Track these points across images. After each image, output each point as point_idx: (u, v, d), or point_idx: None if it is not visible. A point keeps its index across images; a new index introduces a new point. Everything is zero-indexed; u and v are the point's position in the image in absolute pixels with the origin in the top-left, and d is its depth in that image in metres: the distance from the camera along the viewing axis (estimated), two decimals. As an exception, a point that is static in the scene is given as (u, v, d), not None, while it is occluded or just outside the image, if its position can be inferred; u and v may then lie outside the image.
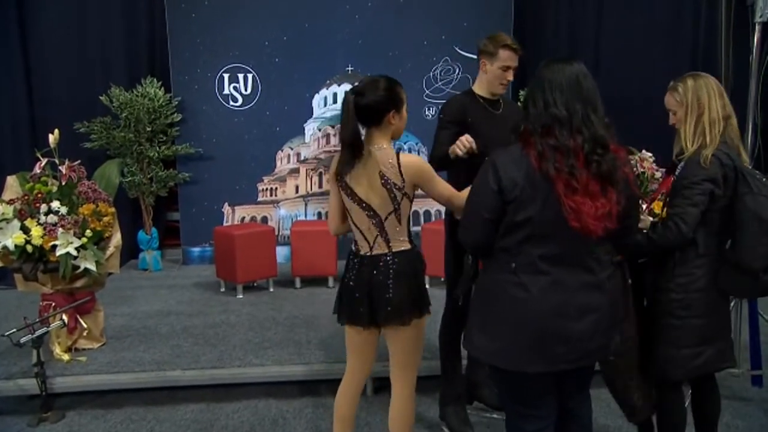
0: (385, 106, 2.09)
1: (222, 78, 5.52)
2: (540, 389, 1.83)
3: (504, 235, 1.75)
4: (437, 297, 4.36)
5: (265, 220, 5.70)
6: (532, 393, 1.84)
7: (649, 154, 3.43)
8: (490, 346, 1.79)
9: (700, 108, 2.14)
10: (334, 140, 5.70)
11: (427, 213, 5.76)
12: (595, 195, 1.65)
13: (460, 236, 1.88)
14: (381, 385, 3.27)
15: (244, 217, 5.68)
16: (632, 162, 3.41)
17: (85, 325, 3.35)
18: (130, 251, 5.56)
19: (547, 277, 1.71)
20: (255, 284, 4.71)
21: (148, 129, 5.32)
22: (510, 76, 2.67)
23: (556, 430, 1.92)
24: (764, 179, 2.12)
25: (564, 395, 1.91)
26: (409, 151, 5.73)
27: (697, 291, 2.13)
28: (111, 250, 3.34)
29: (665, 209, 2.18)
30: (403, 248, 2.16)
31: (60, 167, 3.25)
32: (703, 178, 2.06)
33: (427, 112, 5.70)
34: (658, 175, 3.42)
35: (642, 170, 3.39)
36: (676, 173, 2.21)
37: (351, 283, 2.19)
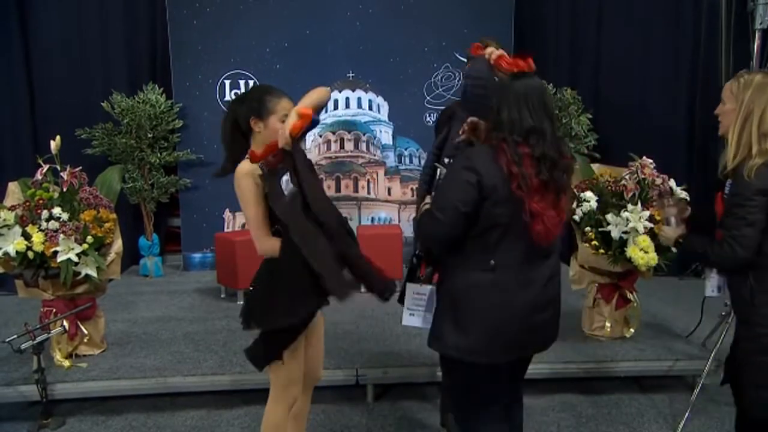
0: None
1: (223, 84, 5.54)
2: (500, 380, 1.97)
3: (481, 234, 1.81)
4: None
5: (265, 226, 5.69)
6: (493, 385, 1.97)
7: (650, 161, 3.45)
8: (464, 342, 1.85)
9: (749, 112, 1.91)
10: (335, 146, 5.71)
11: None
12: (553, 204, 1.77)
13: (428, 229, 1.90)
14: (382, 392, 3.27)
15: (244, 224, 5.67)
16: (633, 168, 3.44)
17: (85, 332, 3.35)
18: (131, 257, 5.56)
19: (522, 274, 1.82)
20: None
21: (150, 135, 5.33)
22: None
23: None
24: None
25: (514, 382, 2.09)
26: (410, 157, 5.74)
27: None
28: (112, 256, 3.35)
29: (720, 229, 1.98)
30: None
31: (61, 173, 3.25)
32: (754, 193, 1.86)
33: (427, 119, 5.71)
34: (658, 181, 3.44)
35: (643, 176, 3.40)
36: (727, 190, 2.03)
37: None
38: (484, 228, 1.80)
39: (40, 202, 3.16)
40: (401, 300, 2.16)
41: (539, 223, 1.74)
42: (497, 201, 1.76)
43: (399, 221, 5.72)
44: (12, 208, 3.15)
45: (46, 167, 3.26)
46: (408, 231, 5.63)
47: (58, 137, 3.32)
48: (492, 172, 1.75)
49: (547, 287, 1.88)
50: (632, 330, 3.63)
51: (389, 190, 5.78)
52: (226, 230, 5.56)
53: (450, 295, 1.91)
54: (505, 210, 1.76)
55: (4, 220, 3.07)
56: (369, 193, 5.76)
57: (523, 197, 1.73)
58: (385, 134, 5.76)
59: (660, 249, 3.33)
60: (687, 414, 2.93)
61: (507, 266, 1.81)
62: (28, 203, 3.18)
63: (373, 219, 5.75)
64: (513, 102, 1.78)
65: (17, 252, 3.05)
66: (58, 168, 3.28)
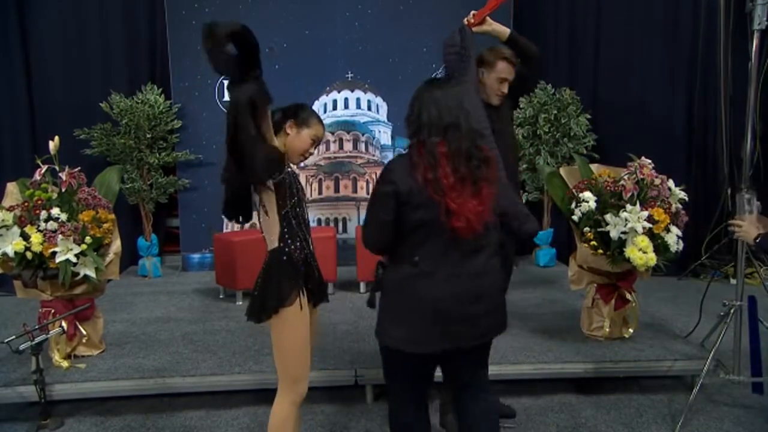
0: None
1: (222, 85, 5.54)
2: (429, 369, 2.12)
3: (407, 234, 1.95)
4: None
5: (264, 226, 5.69)
6: (429, 374, 2.12)
7: (649, 161, 3.44)
8: (401, 333, 2.00)
9: None
10: (334, 147, 5.71)
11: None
12: (474, 196, 1.90)
13: (365, 239, 2.06)
14: (381, 392, 3.27)
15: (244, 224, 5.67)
16: (632, 168, 3.44)
17: (84, 332, 3.34)
18: (129, 258, 5.56)
19: (448, 268, 1.94)
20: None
21: (148, 135, 5.33)
22: (505, 89, 2.74)
23: (462, 407, 2.17)
24: None
25: (464, 373, 2.15)
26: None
27: None
28: (111, 256, 3.34)
29: None
30: (272, 247, 2.18)
31: (60, 174, 3.25)
32: None
33: (426, 119, 5.70)
34: (657, 181, 3.43)
35: (642, 177, 3.40)
36: None
37: None
38: (408, 229, 1.94)
39: (39, 202, 3.16)
40: (371, 304, 2.22)
41: (459, 220, 1.87)
42: (416, 205, 1.90)
43: (398, 221, 5.71)
44: (10, 209, 3.14)
45: (44, 168, 3.26)
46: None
47: (56, 138, 3.32)
48: (407, 181, 1.90)
49: (478, 281, 1.98)
50: (631, 330, 3.63)
51: (388, 190, 5.77)
52: (224, 231, 5.56)
53: (385, 290, 2.06)
54: (425, 212, 1.90)
55: (3, 220, 3.06)
56: (368, 193, 5.76)
57: (439, 200, 1.86)
58: (384, 135, 5.76)
59: (659, 249, 3.33)
60: (686, 414, 2.93)
61: (432, 261, 1.94)
62: (26, 204, 3.18)
63: (372, 219, 5.74)
64: (431, 103, 1.92)
65: (16, 252, 3.05)
66: (57, 168, 3.28)
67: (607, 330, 3.56)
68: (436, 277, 1.94)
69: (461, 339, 1.99)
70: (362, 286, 4.78)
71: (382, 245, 2.04)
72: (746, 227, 2.24)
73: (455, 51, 2.44)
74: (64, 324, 3.13)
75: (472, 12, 2.67)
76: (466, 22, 2.67)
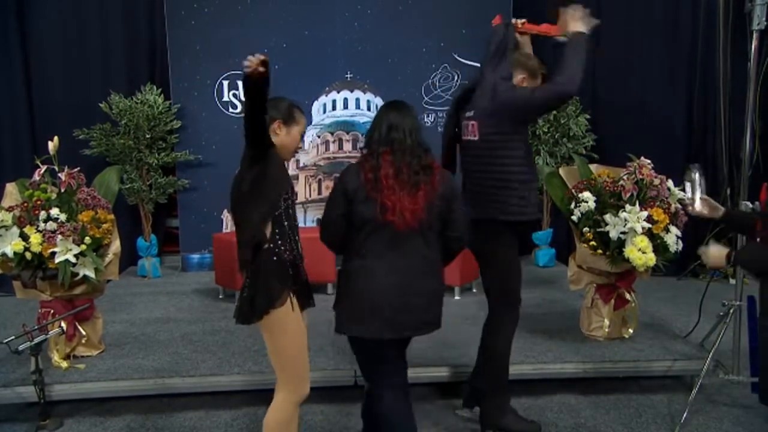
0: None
1: (221, 85, 5.54)
2: (392, 354, 2.33)
3: (356, 230, 2.22)
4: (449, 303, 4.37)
5: (264, 226, 5.69)
6: (387, 357, 2.33)
7: (648, 161, 3.45)
8: (351, 322, 2.27)
9: None
10: (334, 147, 5.71)
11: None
12: (411, 196, 2.17)
13: (324, 238, 2.32)
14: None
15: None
16: (631, 168, 3.44)
17: (83, 332, 3.34)
18: (129, 258, 5.55)
19: (389, 261, 2.20)
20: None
21: (148, 136, 5.33)
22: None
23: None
24: None
25: (387, 369, 2.37)
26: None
27: None
28: (110, 257, 3.34)
29: None
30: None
31: (59, 174, 3.25)
32: None
33: (425, 119, 5.71)
34: (656, 182, 3.44)
35: (641, 177, 3.41)
36: None
37: None
38: (357, 226, 2.22)
39: (38, 203, 3.15)
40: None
41: (393, 215, 2.16)
42: (360, 201, 2.19)
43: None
44: (10, 209, 3.14)
45: (44, 168, 3.25)
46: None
47: (56, 138, 3.32)
48: (354, 180, 2.22)
49: (422, 278, 2.24)
50: (630, 330, 3.64)
51: (388, 190, 5.77)
52: (224, 231, 5.56)
53: (340, 284, 2.34)
54: (366, 208, 2.18)
55: (2, 221, 3.06)
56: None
57: (376, 197, 2.16)
58: (383, 135, 5.75)
59: (658, 249, 3.34)
60: (685, 414, 2.93)
61: (374, 255, 2.21)
62: (25, 204, 3.17)
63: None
64: (384, 122, 2.28)
65: (15, 253, 3.05)
66: (56, 169, 3.27)
67: (607, 330, 3.56)
68: (377, 271, 2.20)
69: (404, 329, 2.25)
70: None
71: (334, 239, 2.31)
72: (712, 255, 2.19)
73: (497, 41, 2.64)
74: (63, 324, 3.13)
75: (524, 20, 2.86)
76: (514, 22, 2.72)
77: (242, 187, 2.13)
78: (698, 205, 2.46)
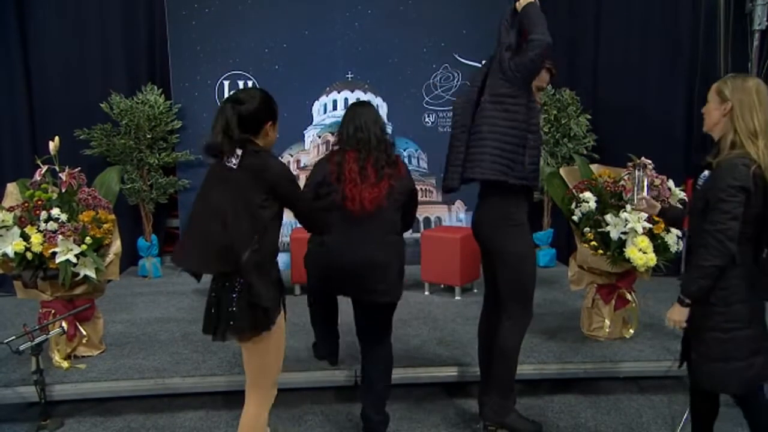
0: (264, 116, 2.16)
1: (222, 85, 5.54)
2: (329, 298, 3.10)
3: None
4: (436, 304, 4.37)
5: (264, 226, 5.69)
6: (327, 299, 3.11)
7: (649, 161, 3.45)
8: (310, 281, 2.95)
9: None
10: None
11: (426, 220, 5.76)
12: (373, 186, 2.54)
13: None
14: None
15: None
16: (631, 169, 3.44)
17: (84, 333, 3.35)
18: (129, 258, 5.56)
19: (347, 238, 2.59)
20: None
21: (148, 136, 5.33)
22: (539, 97, 2.76)
23: (364, 354, 2.84)
24: None
25: (366, 337, 2.83)
26: (408, 158, 5.74)
27: (739, 302, 2.10)
28: (111, 257, 3.34)
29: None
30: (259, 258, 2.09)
31: (60, 174, 3.25)
32: (737, 190, 2.01)
33: (426, 119, 5.71)
34: (657, 182, 3.44)
35: (641, 177, 3.40)
36: (700, 182, 2.21)
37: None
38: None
39: (39, 203, 3.16)
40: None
41: (353, 203, 2.53)
42: (328, 191, 2.58)
43: (398, 222, 5.71)
44: (10, 209, 3.15)
45: (44, 168, 3.26)
46: (407, 232, 5.63)
47: (56, 138, 3.32)
48: (323, 171, 2.63)
49: (374, 254, 2.60)
50: (631, 330, 3.64)
51: (388, 190, 5.77)
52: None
53: (306, 255, 2.89)
54: (334, 196, 2.56)
55: (3, 221, 3.07)
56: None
57: (338, 186, 2.55)
58: (384, 135, 5.75)
59: (659, 249, 3.34)
60: (686, 415, 2.92)
61: (335, 235, 2.57)
62: (26, 204, 3.18)
63: (372, 220, 5.74)
64: (350, 121, 2.64)
65: (16, 253, 3.05)
66: (57, 169, 3.28)
67: (607, 330, 3.56)
68: (332, 247, 2.62)
69: (348, 291, 2.72)
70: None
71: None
72: (674, 316, 2.21)
73: (504, 20, 2.78)
74: (64, 324, 3.13)
75: None
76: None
77: (262, 214, 2.06)
78: (639, 204, 2.57)
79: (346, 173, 2.55)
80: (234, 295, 2.06)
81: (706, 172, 2.17)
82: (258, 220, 2.04)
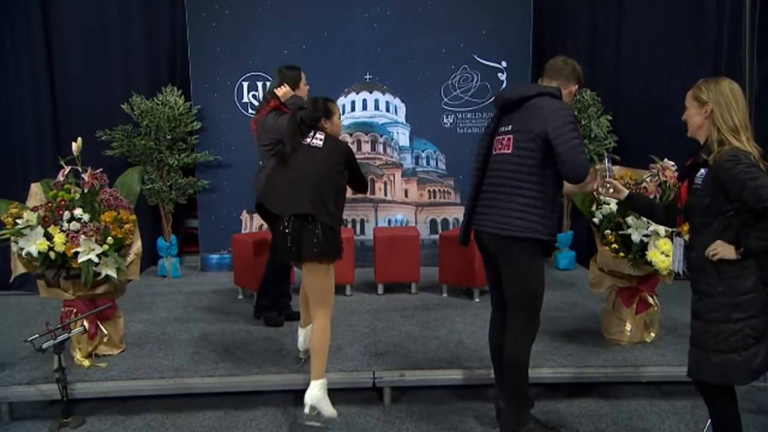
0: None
1: (241, 86, 5.57)
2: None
3: None
4: (454, 305, 4.35)
5: (283, 227, 5.71)
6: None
7: (672, 163, 3.39)
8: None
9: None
10: (353, 148, 5.70)
11: (444, 221, 5.74)
12: None
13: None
14: (399, 395, 3.25)
15: (262, 225, 5.68)
16: (654, 170, 3.39)
17: (105, 331, 3.38)
18: (149, 258, 5.61)
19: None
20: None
21: (168, 137, 5.38)
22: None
23: None
24: None
25: None
26: (427, 159, 5.72)
27: (747, 292, 2.13)
28: (131, 257, 3.37)
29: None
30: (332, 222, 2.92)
31: (83, 175, 3.29)
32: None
33: (444, 120, 5.69)
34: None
35: (664, 179, 3.35)
36: (698, 181, 2.22)
37: None
38: None
39: (62, 203, 3.20)
40: None
41: None
42: None
43: (416, 223, 5.70)
44: (34, 209, 3.19)
45: (67, 169, 3.30)
46: (425, 233, 5.62)
47: (79, 139, 3.36)
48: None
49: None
50: (653, 334, 3.58)
51: (406, 191, 5.76)
52: (243, 231, 5.59)
53: None
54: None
55: (27, 221, 3.11)
56: (386, 195, 5.75)
57: None
58: (402, 136, 5.75)
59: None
60: (710, 421, 2.87)
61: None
62: (50, 204, 3.22)
63: (389, 221, 5.74)
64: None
65: (39, 252, 3.09)
66: (80, 169, 3.31)
67: (628, 334, 3.51)
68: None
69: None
70: (380, 288, 4.77)
71: None
72: (725, 249, 2.17)
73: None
74: (85, 323, 3.16)
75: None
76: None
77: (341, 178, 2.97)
78: (606, 190, 2.64)
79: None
80: (318, 231, 2.80)
81: (703, 171, 2.20)
82: (339, 182, 2.93)
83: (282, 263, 3.73)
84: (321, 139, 2.94)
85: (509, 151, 2.56)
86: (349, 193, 3.08)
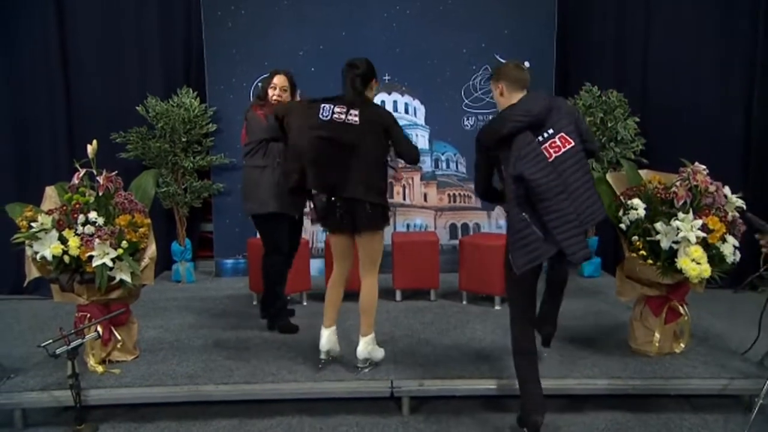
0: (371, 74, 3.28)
1: (257, 88, 5.52)
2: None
3: None
4: (474, 313, 4.24)
5: (299, 231, 5.65)
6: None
7: (703, 167, 3.27)
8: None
9: None
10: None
11: (465, 226, 5.63)
12: None
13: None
14: (418, 405, 3.16)
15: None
16: (685, 174, 3.26)
17: (119, 337, 3.34)
18: (163, 262, 5.58)
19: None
20: (288, 298, 4.64)
21: (183, 139, 5.34)
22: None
23: None
24: None
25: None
26: (447, 162, 5.62)
27: None
28: (146, 261, 3.32)
29: None
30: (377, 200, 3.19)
31: (97, 177, 3.25)
32: None
33: (465, 122, 5.59)
34: (711, 188, 3.25)
35: (695, 183, 3.22)
36: None
37: None
38: None
39: (77, 206, 3.16)
40: None
41: None
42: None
43: (435, 228, 5.60)
44: (49, 213, 3.15)
45: (82, 171, 3.26)
46: (444, 238, 5.51)
47: (94, 142, 3.32)
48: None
49: None
50: (683, 345, 3.45)
51: (425, 196, 5.66)
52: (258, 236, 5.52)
53: None
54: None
55: (42, 224, 3.07)
56: (404, 199, 5.66)
57: None
58: (421, 138, 5.65)
59: (714, 260, 3.14)
60: (745, 436, 2.74)
61: None
62: (65, 207, 3.18)
63: (408, 226, 5.65)
64: None
65: (54, 256, 3.05)
66: (95, 172, 3.27)
67: (657, 345, 3.38)
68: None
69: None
70: (398, 294, 4.68)
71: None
72: None
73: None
74: (99, 329, 3.12)
75: None
76: None
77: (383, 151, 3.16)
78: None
79: None
80: (367, 206, 3.04)
81: None
82: (381, 156, 3.13)
83: (278, 266, 3.91)
84: (356, 115, 3.03)
85: (572, 144, 2.59)
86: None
